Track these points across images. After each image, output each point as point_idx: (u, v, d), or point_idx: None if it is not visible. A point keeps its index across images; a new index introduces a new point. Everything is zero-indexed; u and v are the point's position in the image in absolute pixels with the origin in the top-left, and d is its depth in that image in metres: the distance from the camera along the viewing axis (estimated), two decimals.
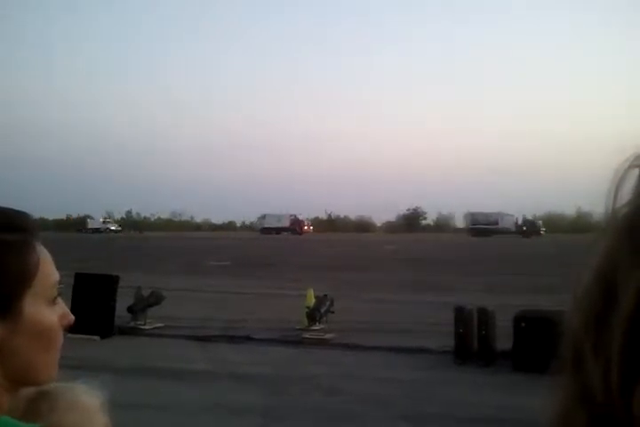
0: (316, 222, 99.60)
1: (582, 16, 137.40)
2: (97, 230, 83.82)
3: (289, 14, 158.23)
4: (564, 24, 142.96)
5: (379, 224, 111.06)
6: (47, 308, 0.88)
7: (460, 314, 9.22)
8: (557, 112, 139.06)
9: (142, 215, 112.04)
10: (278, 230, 79.16)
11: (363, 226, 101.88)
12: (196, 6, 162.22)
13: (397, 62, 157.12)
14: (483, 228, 72.03)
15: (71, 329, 0.92)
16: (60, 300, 0.91)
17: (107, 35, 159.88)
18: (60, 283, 0.91)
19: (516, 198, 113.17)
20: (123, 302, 11.22)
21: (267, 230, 78.93)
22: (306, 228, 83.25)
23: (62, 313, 0.91)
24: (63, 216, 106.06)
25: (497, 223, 73.35)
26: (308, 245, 43.29)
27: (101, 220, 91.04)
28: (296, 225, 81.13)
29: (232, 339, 10.55)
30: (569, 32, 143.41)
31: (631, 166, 0.42)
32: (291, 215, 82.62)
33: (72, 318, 0.92)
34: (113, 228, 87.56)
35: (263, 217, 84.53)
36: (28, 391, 0.90)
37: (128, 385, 7.04)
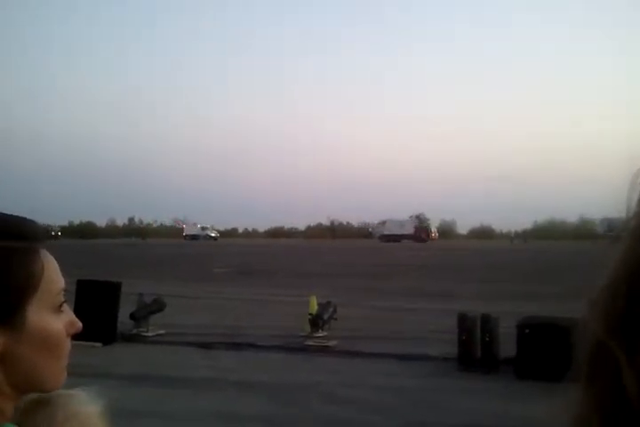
0: (317, 229, 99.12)
1: (582, 16, 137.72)
2: (194, 237, 78.73)
3: (289, 14, 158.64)
4: (564, 24, 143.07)
5: None
6: (52, 315, 0.87)
7: (464, 321, 9.18)
8: (557, 113, 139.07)
9: (145, 222, 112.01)
10: (400, 238, 70.13)
11: (364, 233, 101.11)
12: (195, 6, 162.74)
13: (398, 64, 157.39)
14: None
15: (73, 336, 0.91)
16: (66, 307, 0.90)
17: (106, 35, 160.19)
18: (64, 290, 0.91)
19: (520, 204, 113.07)
20: (125, 309, 11.20)
21: (387, 237, 70.50)
22: (433, 235, 74.61)
23: (69, 321, 0.90)
24: (64, 222, 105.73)
25: None
26: (311, 253, 43.24)
27: (199, 226, 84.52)
28: (422, 232, 72.36)
29: (235, 346, 10.51)
30: (569, 32, 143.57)
31: None
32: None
33: (80, 325, 0.91)
34: (213, 234, 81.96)
35: (383, 223, 75.93)
36: (26, 399, 0.88)
37: (130, 393, 7.03)
